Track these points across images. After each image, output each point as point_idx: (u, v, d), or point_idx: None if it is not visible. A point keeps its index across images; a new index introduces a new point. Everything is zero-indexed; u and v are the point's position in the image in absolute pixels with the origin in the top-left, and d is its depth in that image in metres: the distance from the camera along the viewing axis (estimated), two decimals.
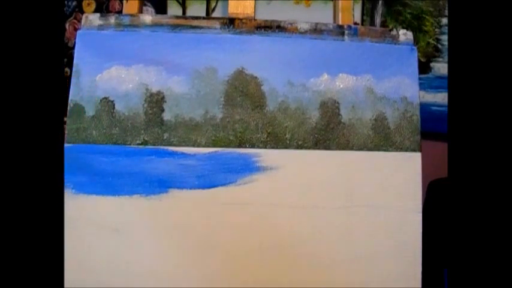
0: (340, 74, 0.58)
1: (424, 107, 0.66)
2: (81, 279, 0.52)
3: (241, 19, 0.58)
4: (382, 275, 0.55)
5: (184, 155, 0.55)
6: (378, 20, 1.07)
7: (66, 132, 0.53)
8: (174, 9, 1.09)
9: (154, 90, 0.55)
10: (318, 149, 0.56)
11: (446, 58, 1.06)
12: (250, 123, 0.56)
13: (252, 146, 0.55)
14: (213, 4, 1.08)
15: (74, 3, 1.09)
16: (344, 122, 0.57)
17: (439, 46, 1.07)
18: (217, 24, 0.57)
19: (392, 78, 0.58)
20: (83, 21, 0.57)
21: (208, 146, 0.55)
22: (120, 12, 0.75)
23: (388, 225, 0.56)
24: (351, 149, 0.57)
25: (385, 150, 0.57)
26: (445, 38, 1.06)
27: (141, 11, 0.61)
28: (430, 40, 1.07)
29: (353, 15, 0.63)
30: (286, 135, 0.56)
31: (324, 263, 0.55)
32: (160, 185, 0.54)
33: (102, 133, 0.54)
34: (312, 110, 0.57)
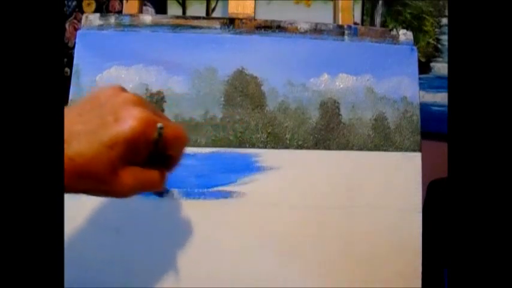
0: (340, 74, 0.58)
1: (424, 107, 0.67)
2: (81, 279, 0.52)
3: (241, 19, 0.58)
4: (382, 275, 0.55)
5: (184, 154, 0.55)
6: (377, 20, 1.07)
7: None
8: (174, 9, 1.09)
9: (154, 90, 0.55)
10: (318, 149, 0.56)
11: (446, 58, 1.06)
12: (250, 123, 0.56)
13: (252, 146, 0.55)
14: (213, 4, 1.08)
15: (74, 3, 1.09)
16: (344, 122, 0.57)
17: (439, 46, 1.07)
18: (217, 24, 0.57)
19: (392, 78, 0.58)
20: (83, 21, 0.57)
21: (208, 146, 0.55)
22: (120, 12, 0.75)
23: (388, 225, 0.56)
24: (351, 149, 0.57)
25: (385, 150, 0.57)
26: (445, 38, 1.06)
27: (141, 11, 0.61)
28: (430, 40, 1.06)
29: (353, 15, 0.63)
30: (286, 135, 0.56)
31: (324, 263, 0.55)
32: None
33: None
34: (312, 110, 0.57)
